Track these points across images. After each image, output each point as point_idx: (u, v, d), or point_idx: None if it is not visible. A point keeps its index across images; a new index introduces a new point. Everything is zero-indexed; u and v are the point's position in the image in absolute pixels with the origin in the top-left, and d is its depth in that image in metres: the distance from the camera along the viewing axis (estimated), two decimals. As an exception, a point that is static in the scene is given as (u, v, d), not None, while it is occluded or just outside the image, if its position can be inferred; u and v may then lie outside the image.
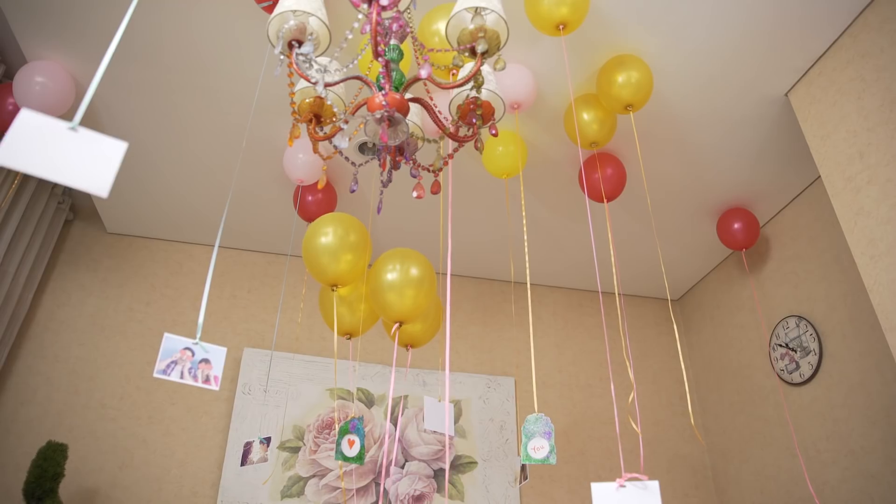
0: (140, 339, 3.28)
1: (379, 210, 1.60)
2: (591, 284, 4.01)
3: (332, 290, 2.05)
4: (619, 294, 4.04)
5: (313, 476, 3.15)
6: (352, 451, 1.94)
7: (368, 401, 3.38)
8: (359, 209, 3.32)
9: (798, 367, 3.03)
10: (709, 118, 2.79)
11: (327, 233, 2.05)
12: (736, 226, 3.19)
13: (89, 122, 2.79)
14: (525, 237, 2.08)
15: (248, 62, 2.56)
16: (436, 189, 1.63)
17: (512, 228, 3.45)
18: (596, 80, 2.57)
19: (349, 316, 2.18)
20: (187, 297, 3.45)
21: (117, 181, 3.15)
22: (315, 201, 3.01)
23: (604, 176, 2.75)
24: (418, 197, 1.57)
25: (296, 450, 3.18)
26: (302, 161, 2.83)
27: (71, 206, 3.48)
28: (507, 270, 3.86)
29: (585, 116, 2.61)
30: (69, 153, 0.98)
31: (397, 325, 2.05)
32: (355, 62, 1.54)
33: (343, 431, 1.96)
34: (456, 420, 3.46)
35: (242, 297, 3.52)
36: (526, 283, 3.89)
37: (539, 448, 1.73)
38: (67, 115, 2.62)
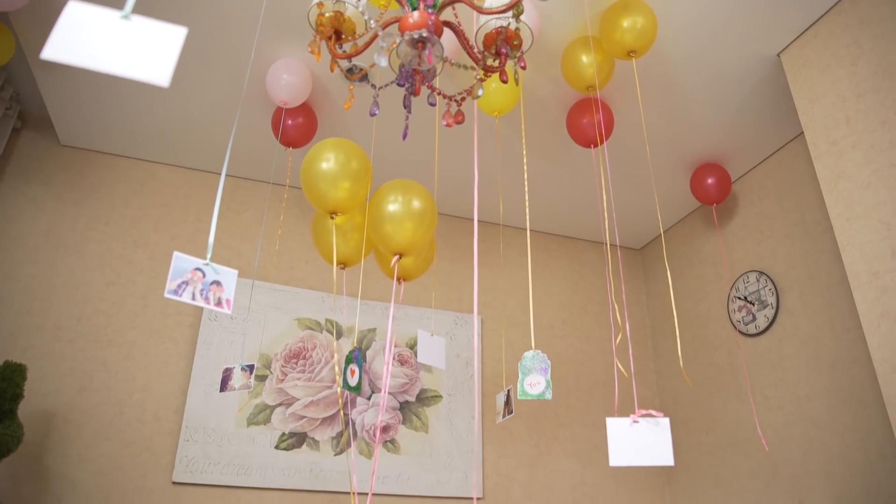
0: (98, 259, 3.12)
1: (405, 136, 1.54)
2: (561, 229, 4.07)
3: (332, 217, 1.99)
4: (607, 244, 4.11)
5: (280, 405, 3.13)
6: (353, 381, 1.93)
7: (337, 332, 3.37)
8: (339, 136, 3.21)
9: (754, 319, 3.20)
10: (699, 71, 2.81)
11: (328, 158, 1.97)
12: (709, 181, 3.27)
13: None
14: (525, 180, 2.07)
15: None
16: (460, 119, 1.59)
17: (488, 167, 3.42)
18: (599, 22, 2.53)
19: (343, 245, 2.13)
20: (149, 218, 3.28)
21: (72, 87, 2.92)
22: (295, 126, 2.88)
23: (595, 121, 2.74)
24: (448, 125, 1.53)
25: (262, 378, 3.15)
26: (286, 82, 2.69)
27: (19, 112, 3.21)
28: (479, 209, 3.85)
29: (584, 59, 2.57)
30: (123, 43, 0.89)
31: (397, 257, 2.02)
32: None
33: (348, 361, 1.95)
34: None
35: (207, 222, 3.38)
36: (499, 225, 3.90)
37: (535, 384, 1.77)
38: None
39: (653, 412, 1.43)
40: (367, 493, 3.08)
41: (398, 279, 2.19)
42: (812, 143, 2.50)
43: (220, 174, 3.50)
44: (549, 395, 1.72)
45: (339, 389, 3.10)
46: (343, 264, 2.14)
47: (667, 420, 1.45)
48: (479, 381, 3.53)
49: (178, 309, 3.15)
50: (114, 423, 2.87)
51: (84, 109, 3.05)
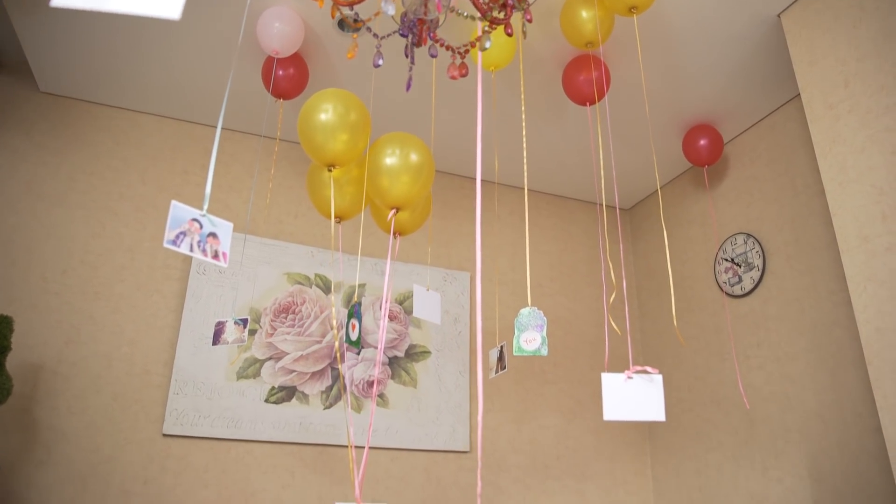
0: (83, 210, 3.05)
1: (408, 87, 1.51)
2: (552, 188, 4.06)
3: (329, 170, 1.96)
4: (603, 204, 4.11)
5: (269, 358, 3.14)
6: (353, 335, 1.94)
7: (326, 287, 3.36)
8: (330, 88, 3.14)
9: (740, 280, 3.25)
10: (697, 30, 2.77)
11: (327, 109, 1.93)
12: (702, 142, 3.27)
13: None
14: (524, 137, 2.04)
15: None
16: (464, 72, 1.55)
17: (482, 124, 3.38)
18: (601, -24, 2.47)
19: (339, 199, 2.11)
20: (135, 169, 3.21)
21: (50, 30, 2.80)
22: (286, 76, 2.81)
23: (593, 78, 2.71)
24: (452, 77, 1.49)
25: (252, 332, 3.15)
26: (278, 31, 2.60)
27: (-5, 55, 3.09)
28: (468, 166, 3.83)
29: (584, 14, 2.53)
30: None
31: (393, 211, 2.00)
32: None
33: (349, 315, 1.94)
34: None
35: (195, 174, 3.32)
36: (490, 182, 3.88)
37: (531, 340, 1.79)
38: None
39: (648, 368, 1.45)
40: (361, 447, 3.13)
41: (394, 234, 2.18)
42: (808, 106, 2.50)
43: (207, 125, 3.42)
44: (544, 352, 1.74)
45: (336, 343, 3.12)
46: (339, 218, 2.12)
47: (660, 377, 1.48)
48: (481, 336, 3.56)
49: (165, 262, 3.11)
50: (102, 375, 2.85)
51: (63, 54, 2.94)
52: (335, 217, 2.10)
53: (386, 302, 1.85)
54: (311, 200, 2.21)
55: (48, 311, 2.85)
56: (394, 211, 2.01)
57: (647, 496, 3.67)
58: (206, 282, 3.12)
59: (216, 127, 3.41)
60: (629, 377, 1.50)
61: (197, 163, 3.34)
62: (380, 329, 3.38)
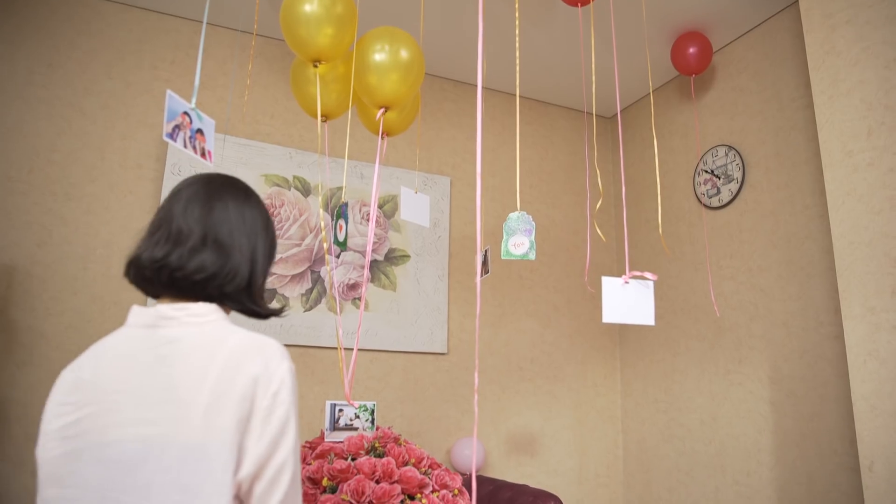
0: (46, 106, 2.89)
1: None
2: (534, 93, 3.97)
3: (314, 66, 1.87)
4: (594, 109, 4.04)
5: (249, 263, 3.12)
6: (340, 236, 1.92)
7: (305, 190, 3.30)
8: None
9: (718, 192, 3.29)
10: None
11: (311, 1, 1.81)
12: (691, 50, 3.19)
13: None
14: (517, 36, 1.96)
15: None
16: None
17: (466, 25, 3.24)
18: None
19: (325, 97, 2.02)
20: (99, 62, 3.02)
21: None
22: (261, -35, 2.62)
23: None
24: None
25: (231, 236, 3.10)
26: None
27: (-65, -72, 2.80)
28: (451, 67, 3.70)
29: None
30: None
31: (382, 110, 1.94)
32: None
33: (336, 216, 1.92)
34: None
35: (164, 69, 3.14)
36: (470, 84, 3.77)
37: (519, 244, 1.80)
38: None
39: (647, 274, 1.48)
40: (347, 349, 3.19)
41: (382, 134, 2.12)
42: (806, 15, 2.44)
43: (176, 17, 3.21)
44: (532, 256, 1.76)
45: (316, 246, 3.10)
46: (325, 117, 2.05)
47: (652, 283, 1.51)
48: (480, 238, 3.58)
49: (137, 162, 3.00)
50: (79, 277, 2.81)
51: (13, -70, 2.68)
52: (322, 116, 2.02)
53: (375, 204, 1.82)
54: (295, 98, 2.12)
55: (17, 212, 2.76)
56: (382, 110, 1.94)
57: (615, 397, 3.87)
58: (182, 184, 3.03)
59: (187, 18, 3.21)
60: (626, 281, 1.53)
61: (166, 58, 3.15)
62: (360, 232, 3.38)
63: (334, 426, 1.95)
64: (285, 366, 1.05)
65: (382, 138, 2.10)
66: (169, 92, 1.19)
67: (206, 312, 1.12)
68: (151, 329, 1.11)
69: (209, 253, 1.13)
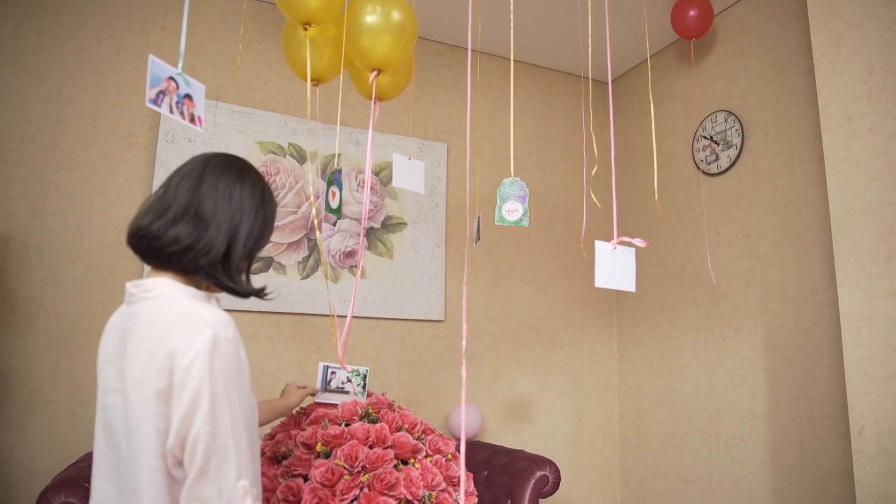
0: (35, 73, 2.85)
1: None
2: (532, 57, 3.91)
3: (305, 28, 1.83)
4: (590, 73, 3.98)
5: (245, 231, 3.11)
6: (334, 203, 1.91)
7: (300, 157, 3.28)
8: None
9: (717, 158, 3.26)
10: None
11: (301, -39, 1.77)
12: (691, 13, 3.13)
13: None
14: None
15: None
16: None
17: (464, -13, 3.17)
18: None
19: (317, 60, 1.99)
20: (87, 28, 2.97)
21: None
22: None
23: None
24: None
25: (226, 205, 3.09)
26: None
27: None
28: (447, 31, 3.64)
29: None
30: None
31: (374, 73, 1.91)
32: None
33: (329, 183, 1.91)
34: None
35: (156, 35, 3.09)
36: (465, 49, 3.70)
37: (513, 211, 1.78)
38: None
39: (636, 241, 1.48)
40: (341, 316, 3.20)
41: (375, 98, 2.09)
42: (808, -23, 2.38)
43: (163, -21, 3.14)
44: (526, 223, 1.74)
45: (313, 213, 3.09)
46: (317, 80, 2.02)
47: (633, 250, 1.51)
48: (478, 205, 3.56)
49: (130, 130, 2.97)
50: (74, 247, 2.81)
51: None
52: (312, 80, 1.99)
53: (369, 169, 1.81)
54: (286, 62, 2.08)
55: (10, 182, 2.74)
56: (375, 73, 1.91)
57: (611, 364, 3.90)
58: (176, 151, 3.01)
59: (175, -19, 3.14)
60: (614, 247, 1.53)
61: (157, 23, 3.10)
62: (356, 200, 3.36)
63: (326, 387, 1.96)
64: (205, 337, 1.05)
65: (375, 102, 2.07)
66: (151, 57, 1.17)
67: (155, 287, 1.15)
68: (126, 304, 1.19)
69: (185, 224, 1.15)
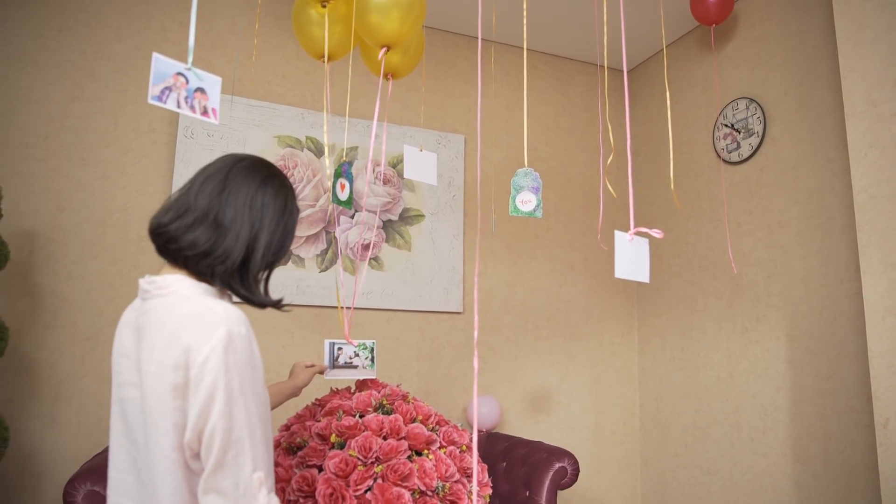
0: (57, 71, 2.90)
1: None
2: (549, 47, 3.87)
3: (323, 6, 1.84)
4: (605, 61, 3.94)
5: (264, 225, 3.14)
6: (343, 195, 1.92)
7: (318, 150, 3.30)
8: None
9: (738, 147, 3.20)
10: None
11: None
12: (712, -2, 3.07)
13: None
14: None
15: None
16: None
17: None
18: None
19: (327, 38, 2.00)
20: (108, 25, 3.01)
21: None
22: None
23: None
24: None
25: (245, 199, 3.12)
26: None
27: None
28: (464, 23, 3.62)
29: None
30: None
31: (384, 49, 1.91)
32: None
33: (337, 175, 1.92)
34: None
35: (174, 31, 3.12)
36: (485, 40, 3.68)
37: (527, 201, 1.78)
38: None
39: (653, 231, 1.46)
40: (360, 309, 3.22)
41: (385, 75, 2.09)
42: (831, -41, 2.32)
43: (181, -25, 3.17)
44: (539, 214, 1.74)
45: (329, 207, 3.11)
46: (328, 59, 2.03)
47: (647, 240, 1.50)
48: (488, 198, 3.55)
49: (151, 126, 3.02)
50: (98, 241, 2.87)
51: None
52: (323, 58, 2.00)
53: (371, 154, 1.81)
54: (297, 39, 2.10)
55: (34, 179, 2.80)
56: (384, 49, 1.91)
57: (631, 356, 3.87)
58: (195, 146, 3.05)
59: (192, -22, 3.17)
60: (631, 238, 1.52)
61: (175, 18, 3.13)
62: (374, 193, 3.37)
63: (334, 364, 1.97)
64: (219, 333, 1.05)
65: (386, 79, 2.08)
66: (155, 54, 1.18)
67: (168, 284, 1.16)
68: (140, 300, 1.20)
69: (204, 229, 1.15)
